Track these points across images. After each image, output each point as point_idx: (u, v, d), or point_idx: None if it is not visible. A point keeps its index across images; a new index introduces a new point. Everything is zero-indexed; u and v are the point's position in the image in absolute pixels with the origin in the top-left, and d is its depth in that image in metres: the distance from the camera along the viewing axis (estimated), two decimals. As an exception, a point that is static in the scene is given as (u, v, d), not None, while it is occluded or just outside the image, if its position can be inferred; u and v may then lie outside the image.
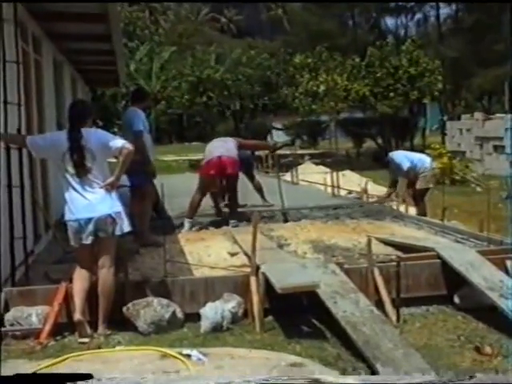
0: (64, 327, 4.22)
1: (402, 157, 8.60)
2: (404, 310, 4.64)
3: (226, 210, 7.69)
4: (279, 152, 27.28)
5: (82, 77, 11.39)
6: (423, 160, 8.66)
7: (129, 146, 4.24)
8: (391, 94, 21.69)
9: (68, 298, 4.31)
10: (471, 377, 1.98)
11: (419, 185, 8.41)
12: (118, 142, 4.22)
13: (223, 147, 7.21)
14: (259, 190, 8.44)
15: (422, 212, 8.12)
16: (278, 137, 34.23)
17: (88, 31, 7.04)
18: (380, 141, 26.40)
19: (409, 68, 21.67)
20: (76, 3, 5.82)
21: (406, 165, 8.41)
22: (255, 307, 4.36)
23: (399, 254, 5.27)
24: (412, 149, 25.36)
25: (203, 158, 7.17)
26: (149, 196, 6.11)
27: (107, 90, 25.10)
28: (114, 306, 4.24)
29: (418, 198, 8.31)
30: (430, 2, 25.93)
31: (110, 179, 4.24)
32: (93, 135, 4.25)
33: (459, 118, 23.46)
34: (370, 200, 8.88)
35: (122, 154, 4.17)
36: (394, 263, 4.77)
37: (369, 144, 28.55)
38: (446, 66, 23.72)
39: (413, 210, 8.30)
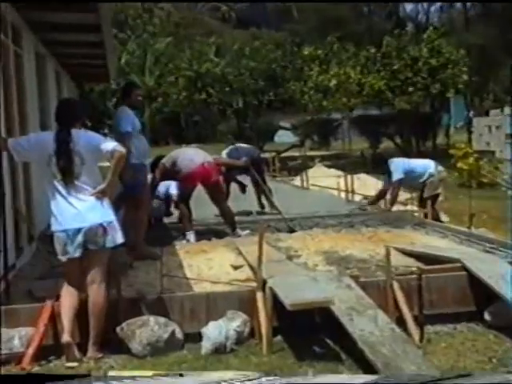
0: (50, 350, 4.23)
1: (398, 166, 8.66)
2: (428, 329, 4.64)
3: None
4: (287, 154, 27.34)
5: (68, 72, 11.42)
6: (427, 166, 8.79)
7: (121, 148, 4.26)
8: (410, 89, 21.63)
9: (54, 318, 4.32)
10: (467, 375, 1.99)
11: (426, 192, 8.60)
12: (109, 145, 4.25)
13: (201, 153, 7.38)
14: (270, 195, 8.51)
15: (433, 218, 8.20)
16: (286, 137, 34.27)
17: (74, 21, 7.05)
18: (398, 140, 26.38)
19: (430, 59, 21.63)
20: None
21: (397, 176, 8.53)
22: (262, 326, 4.37)
23: (421, 265, 5.26)
24: (434, 148, 25.42)
25: (176, 166, 7.15)
26: (144, 204, 6.13)
27: (96, 86, 25.19)
28: (105, 325, 4.25)
29: (427, 205, 8.37)
30: (432, 1, 25.71)
31: (102, 186, 4.27)
32: (82, 137, 4.27)
33: (487, 114, 23.35)
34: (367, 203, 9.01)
35: (113, 158, 4.20)
36: (416, 276, 4.77)
37: (386, 144, 28.54)
38: (472, 55, 23.61)
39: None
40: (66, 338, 4.12)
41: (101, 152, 4.23)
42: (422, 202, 8.72)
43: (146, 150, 6.23)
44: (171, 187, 8.30)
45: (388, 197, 8.85)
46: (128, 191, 5.99)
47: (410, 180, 8.66)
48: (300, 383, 2.03)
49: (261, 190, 8.88)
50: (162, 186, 8.12)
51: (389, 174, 8.70)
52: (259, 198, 9.20)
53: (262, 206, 9.13)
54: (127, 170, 5.29)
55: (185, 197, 7.23)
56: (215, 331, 4.31)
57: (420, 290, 4.67)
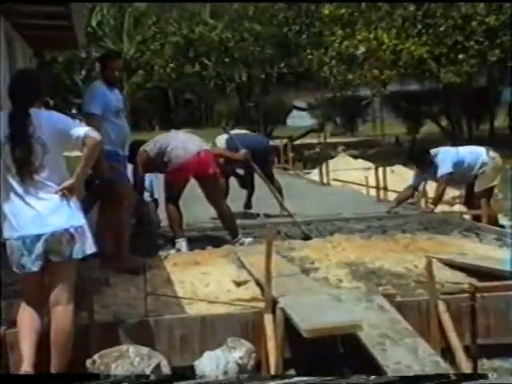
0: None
1: (447, 157, 8.72)
2: (484, 363, 4.64)
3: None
4: (302, 141, 27.37)
5: (23, 36, 11.42)
6: (477, 153, 8.80)
7: (94, 134, 4.27)
8: (460, 56, 21.51)
9: (6, 350, 4.33)
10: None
11: (478, 186, 8.59)
12: (80, 130, 4.25)
13: (196, 139, 7.42)
14: (278, 194, 8.52)
15: (490, 221, 8.19)
16: (302, 119, 34.29)
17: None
18: (445, 123, 26.31)
19: (487, 17, 21.45)
20: None
21: (445, 169, 8.60)
22: (271, 357, 4.38)
23: (473, 281, 5.26)
24: (492, 132, 25.33)
25: (165, 156, 7.18)
26: (126, 199, 6.15)
27: (60, 54, 25.23)
28: (73, 357, 4.26)
29: (481, 204, 8.35)
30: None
31: (69, 181, 4.28)
32: (44, 119, 4.28)
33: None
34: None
35: (85, 146, 4.21)
36: (467, 295, 4.76)
37: (429, 127, 28.51)
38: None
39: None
40: (25, 369, 4.12)
41: (69, 139, 4.24)
42: (470, 200, 8.72)
43: (123, 137, 6.24)
44: (153, 185, 8.31)
45: (430, 194, 8.87)
46: (103, 186, 6.01)
47: (460, 174, 8.67)
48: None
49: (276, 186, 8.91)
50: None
51: (435, 167, 8.69)
52: (249, 197, 9.34)
53: (249, 207, 9.32)
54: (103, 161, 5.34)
55: (175, 195, 7.24)
56: (212, 364, 4.33)
57: (473, 313, 4.66)
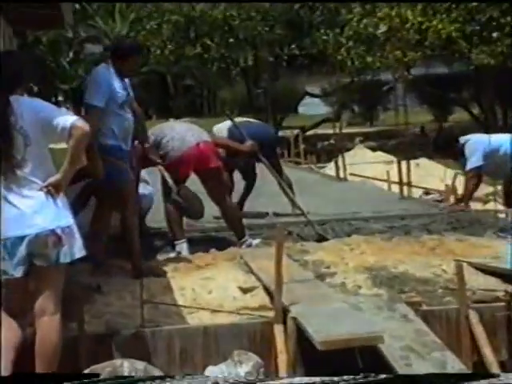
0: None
1: (476, 148, 8.74)
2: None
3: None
4: (316, 131, 27.37)
5: (1, 13, 11.41)
6: None
7: (82, 123, 4.26)
8: (495, 35, 21.37)
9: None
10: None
11: None
12: (66, 119, 4.24)
13: (195, 130, 7.46)
14: (288, 191, 8.52)
15: None
16: (315, 107, 34.27)
17: None
18: (476, 110, 26.23)
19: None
20: None
21: (473, 162, 8.63)
22: (282, 371, 4.39)
23: (509, 288, 5.25)
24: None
25: (161, 149, 7.19)
26: (131, 198, 6.17)
27: (44, 34, 25.20)
28: (60, 371, 4.26)
29: None
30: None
31: (55, 177, 4.27)
32: (26, 107, 4.28)
33: None
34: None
35: (72, 137, 4.21)
36: (502, 303, 4.75)
37: (458, 115, 28.44)
38: None
39: None
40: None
41: (54, 129, 4.23)
42: (508, 198, 8.71)
43: (126, 131, 6.23)
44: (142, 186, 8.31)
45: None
46: (103, 184, 6.03)
47: (494, 166, 8.66)
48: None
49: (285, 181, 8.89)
50: None
51: (464, 159, 8.70)
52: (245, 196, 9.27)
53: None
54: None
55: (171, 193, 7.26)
56: (216, 380, 4.34)
57: (509, 323, 4.66)
